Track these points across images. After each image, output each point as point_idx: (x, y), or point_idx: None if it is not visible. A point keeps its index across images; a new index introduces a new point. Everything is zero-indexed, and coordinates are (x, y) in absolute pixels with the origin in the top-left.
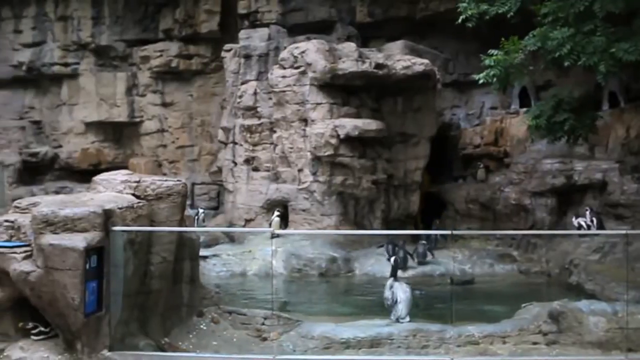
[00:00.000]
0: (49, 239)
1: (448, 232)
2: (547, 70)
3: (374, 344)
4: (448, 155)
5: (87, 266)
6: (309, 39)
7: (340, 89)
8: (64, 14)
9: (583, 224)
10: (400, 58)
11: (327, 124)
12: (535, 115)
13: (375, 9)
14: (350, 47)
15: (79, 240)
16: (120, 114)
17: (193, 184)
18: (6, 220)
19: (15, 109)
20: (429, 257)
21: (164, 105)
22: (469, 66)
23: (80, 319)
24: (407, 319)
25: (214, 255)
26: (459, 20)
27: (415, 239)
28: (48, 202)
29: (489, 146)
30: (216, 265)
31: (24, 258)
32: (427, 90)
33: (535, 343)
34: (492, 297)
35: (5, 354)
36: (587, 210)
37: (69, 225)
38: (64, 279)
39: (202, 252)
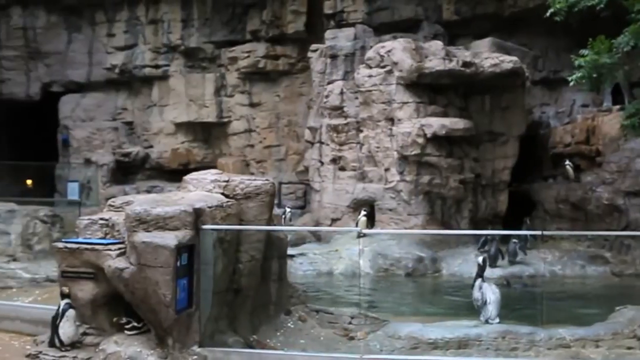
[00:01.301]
0: (141, 236)
1: (538, 232)
2: None
3: (462, 345)
4: (537, 154)
5: (178, 263)
6: (395, 38)
7: (427, 88)
8: (155, 17)
9: None
10: (488, 56)
11: (414, 123)
12: (630, 114)
13: (462, 7)
14: (437, 45)
15: (170, 238)
16: (209, 115)
17: (280, 183)
18: (101, 218)
19: (108, 111)
20: (521, 256)
21: (252, 105)
22: (559, 63)
23: (171, 315)
24: (497, 320)
25: (301, 254)
26: (547, 14)
27: (504, 239)
28: (141, 200)
29: (580, 145)
30: (303, 264)
31: (118, 255)
32: (515, 88)
33: (630, 348)
34: (584, 299)
35: (100, 347)
36: None
37: (160, 223)
38: (155, 275)
39: (289, 250)
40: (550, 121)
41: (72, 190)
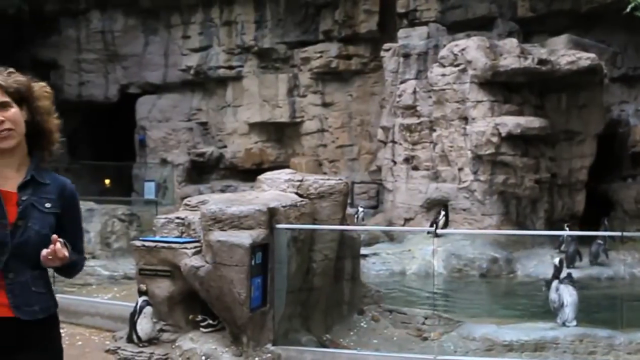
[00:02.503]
0: (217, 235)
1: (618, 233)
2: None
3: (538, 347)
4: (616, 154)
5: (253, 262)
6: (468, 36)
7: (502, 86)
8: (229, 19)
9: None
10: (564, 53)
11: (488, 122)
12: None
13: (538, 3)
14: (511, 43)
15: (245, 237)
16: (282, 115)
17: (353, 183)
18: (177, 217)
19: (183, 111)
20: (602, 258)
21: (324, 105)
22: (639, 59)
23: (246, 314)
24: (574, 322)
25: (374, 254)
26: (627, 10)
27: (582, 240)
28: (216, 200)
29: None
30: (375, 264)
31: (194, 253)
32: (593, 86)
33: None
34: None
35: (176, 344)
36: None
37: (235, 222)
38: (230, 274)
39: (362, 250)
40: (630, 119)
41: (149, 190)
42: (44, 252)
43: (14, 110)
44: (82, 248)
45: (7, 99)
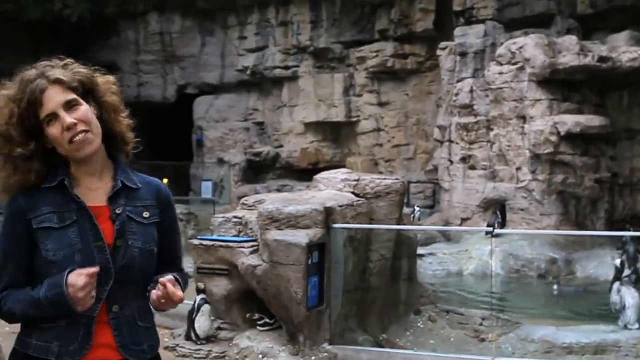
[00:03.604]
0: (274, 234)
1: None
2: None
3: (599, 350)
4: None
5: (310, 262)
6: (526, 34)
7: (561, 85)
8: (285, 19)
9: None
10: (625, 50)
11: (547, 120)
12: None
13: (598, 0)
14: (570, 40)
15: (302, 237)
16: (337, 114)
17: (409, 183)
18: (235, 217)
19: (240, 111)
20: None
21: (380, 104)
22: None
23: (302, 313)
24: (637, 325)
25: (431, 254)
26: None
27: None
28: (273, 199)
29: None
30: (432, 264)
31: (251, 253)
32: None
33: None
34: None
35: (234, 342)
36: None
37: (292, 222)
38: (287, 273)
39: (419, 250)
40: None
41: (206, 189)
42: (154, 295)
43: (84, 108)
44: (182, 262)
45: (72, 96)
